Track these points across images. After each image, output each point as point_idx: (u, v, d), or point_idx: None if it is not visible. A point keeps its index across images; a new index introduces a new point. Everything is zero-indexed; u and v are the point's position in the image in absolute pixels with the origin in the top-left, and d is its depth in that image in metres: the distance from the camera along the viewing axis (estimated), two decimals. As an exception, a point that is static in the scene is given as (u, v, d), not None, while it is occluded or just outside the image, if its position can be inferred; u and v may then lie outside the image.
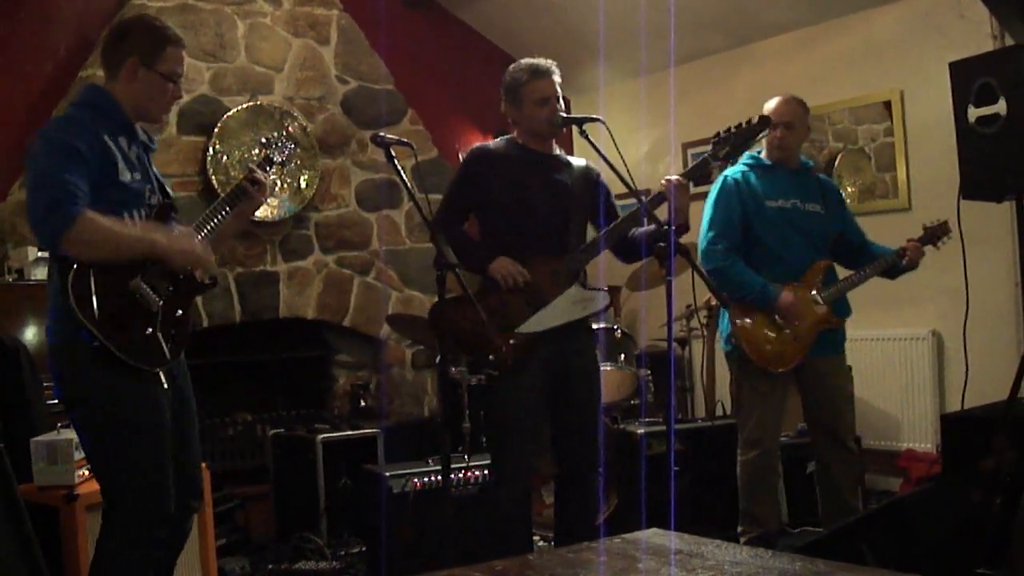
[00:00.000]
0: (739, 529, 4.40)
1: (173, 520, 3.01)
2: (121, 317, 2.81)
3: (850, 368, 4.81)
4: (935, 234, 4.44)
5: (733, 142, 3.57)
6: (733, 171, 4.40)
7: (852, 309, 4.44)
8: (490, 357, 3.50)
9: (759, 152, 4.43)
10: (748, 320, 4.25)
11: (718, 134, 3.60)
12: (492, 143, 3.85)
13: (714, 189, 4.42)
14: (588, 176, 3.83)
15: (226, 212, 3.16)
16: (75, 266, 2.75)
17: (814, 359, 4.30)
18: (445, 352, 3.48)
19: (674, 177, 3.56)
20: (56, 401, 4.18)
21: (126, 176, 2.90)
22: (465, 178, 3.79)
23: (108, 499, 2.93)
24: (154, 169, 3.13)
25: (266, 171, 3.32)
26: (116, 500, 2.91)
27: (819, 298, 4.29)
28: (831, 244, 4.44)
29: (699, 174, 3.63)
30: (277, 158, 3.41)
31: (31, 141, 2.89)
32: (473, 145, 3.63)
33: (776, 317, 4.23)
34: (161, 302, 2.90)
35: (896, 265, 4.39)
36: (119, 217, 2.86)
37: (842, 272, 4.46)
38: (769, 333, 4.25)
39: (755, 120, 3.60)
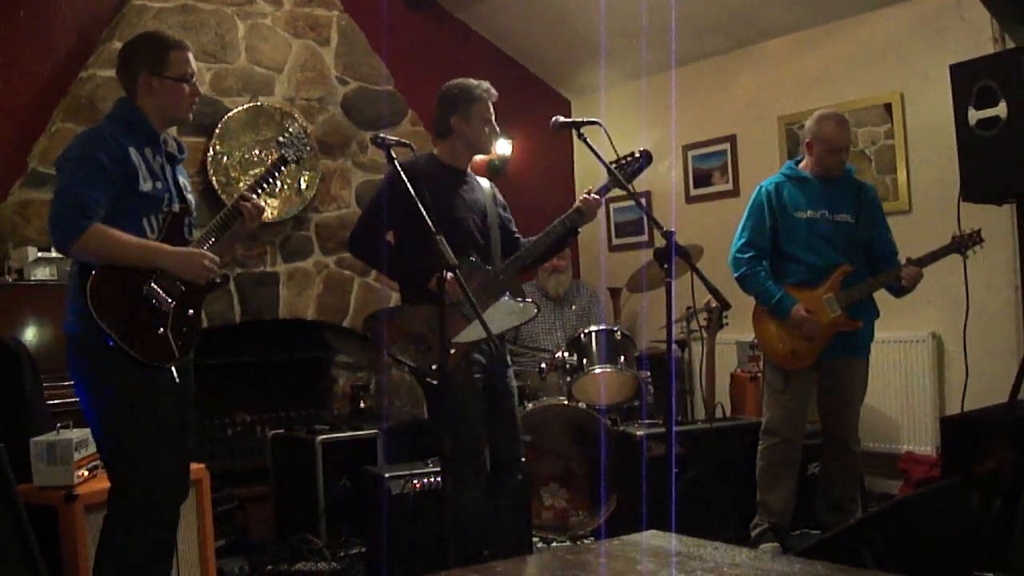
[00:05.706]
0: (754, 520, 4.52)
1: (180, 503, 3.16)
2: (135, 318, 2.99)
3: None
4: (964, 243, 4.37)
5: (621, 175, 3.61)
6: (769, 181, 4.53)
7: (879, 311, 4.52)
8: (433, 366, 3.55)
9: (799, 160, 4.56)
10: (766, 319, 4.46)
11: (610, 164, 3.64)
12: (415, 158, 3.78)
13: (751, 198, 4.55)
14: (494, 195, 4.01)
15: (221, 233, 3.24)
16: (93, 272, 2.94)
17: (833, 359, 4.40)
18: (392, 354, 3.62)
19: (595, 196, 3.75)
20: (56, 401, 4.23)
21: (146, 185, 3.07)
22: (395, 191, 3.60)
23: (115, 483, 3.05)
24: (181, 177, 3.30)
25: (278, 173, 3.43)
26: (123, 485, 3.04)
27: (835, 302, 4.33)
28: (860, 251, 4.49)
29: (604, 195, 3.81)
30: (292, 157, 3.48)
31: (63, 151, 3.08)
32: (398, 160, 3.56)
33: None
34: (173, 303, 3.06)
35: (896, 283, 4.39)
36: (136, 222, 3.04)
37: None
38: (783, 333, 4.41)
39: (638, 154, 3.71)
